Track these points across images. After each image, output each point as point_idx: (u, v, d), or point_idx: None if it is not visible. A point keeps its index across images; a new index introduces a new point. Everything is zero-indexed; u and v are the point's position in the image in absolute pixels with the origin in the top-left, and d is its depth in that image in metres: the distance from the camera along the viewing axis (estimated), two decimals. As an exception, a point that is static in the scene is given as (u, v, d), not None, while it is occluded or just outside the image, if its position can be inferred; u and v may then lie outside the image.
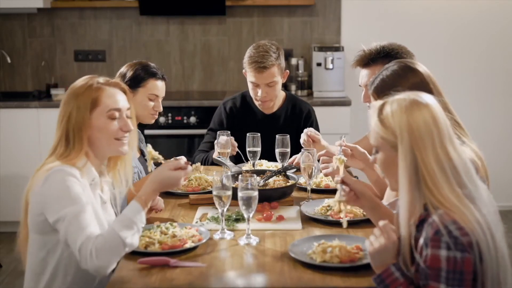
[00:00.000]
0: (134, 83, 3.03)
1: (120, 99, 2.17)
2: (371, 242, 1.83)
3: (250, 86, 3.41)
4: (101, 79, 2.18)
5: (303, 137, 3.09)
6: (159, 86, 3.07)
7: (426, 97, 1.81)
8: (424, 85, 2.28)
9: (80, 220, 1.95)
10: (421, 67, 2.36)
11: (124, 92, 2.22)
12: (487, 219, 1.69)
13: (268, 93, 3.37)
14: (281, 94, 3.52)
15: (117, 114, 2.15)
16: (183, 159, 2.17)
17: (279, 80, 3.37)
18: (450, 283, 1.63)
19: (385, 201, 2.32)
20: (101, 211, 2.17)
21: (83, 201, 2.00)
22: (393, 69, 2.35)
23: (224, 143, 3.10)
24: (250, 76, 3.36)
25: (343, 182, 2.08)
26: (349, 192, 2.07)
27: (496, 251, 1.68)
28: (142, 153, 3.21)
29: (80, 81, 2.16)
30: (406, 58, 2.83)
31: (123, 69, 3.08)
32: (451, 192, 1.69)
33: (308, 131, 3.10)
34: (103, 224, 2.12)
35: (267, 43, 3.37)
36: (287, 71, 3.45)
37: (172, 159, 2.43)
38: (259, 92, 3.36)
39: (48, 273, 2.09)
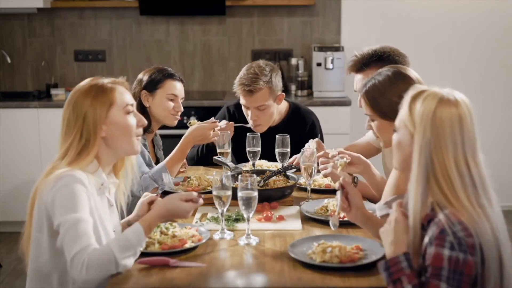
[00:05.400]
0: (152, 85, 3.07)
1: (129, 95, 2.21)
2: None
3: (242, 107, 3.32)
4: (107, 79, 2.19)
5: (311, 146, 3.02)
6: (177, 86, 3.10)
7: (458, 96, 1.78)
8: None
9: (79, 229, 1.93)
10: (413, 74, 2.37)
11: (127, 89, 2.24)
12: (495, 229, 1.69)
13: (258, 116, 3.24)
14: (284, 105, 3.42)
15: (131, 108, 2.17)
16: (193, 193, 2.15)
17: (271, 104, 3.24)
18: (450, 282, 1.63)
19: (382, 200, 2.33)
20: (108, 215, 2.17)
21: (86, 211, 1.99)
22: (385, 74, 2.35)
23: (224, 126, 3.12)
24: (240, 98, 3.27)
25: (342, 187, 2.09)
26: (345, 200, 2.09)
27: (500, 266, 1.67)
28: (157, 161, 3.20)
29: (89, 82, 2.16)
30: (399, 59, 2.85)
31: (140, 75, 3.14)
32: (464, 193, 1.69)
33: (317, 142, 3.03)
34: (107, 231, 2.11)
35: (262, 63, 3.25)
36: (283, 94, 3.31)
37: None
38: (250, 114, 3.26)
39: (55, 277, 2.06)
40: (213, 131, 3.02)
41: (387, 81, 2.33)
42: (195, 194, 2.14)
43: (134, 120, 2.17)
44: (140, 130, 2.21)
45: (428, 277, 1.66)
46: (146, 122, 2.23)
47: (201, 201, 2.14)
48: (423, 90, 1.81)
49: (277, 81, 3.25)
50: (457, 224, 1.65)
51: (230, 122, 3.17)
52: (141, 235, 2.00)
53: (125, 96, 2.17)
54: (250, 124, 3.31)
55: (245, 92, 3.20)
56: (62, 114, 2.15)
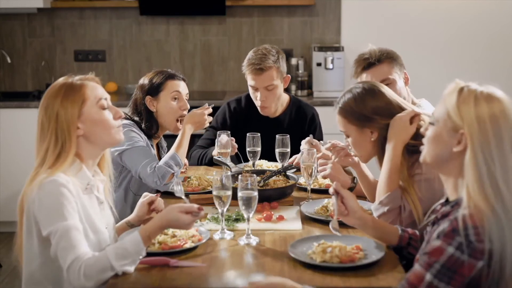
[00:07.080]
0: (154, 89, 3.06)
1: (102, 90, 2.15)
2: None
3: (250, 90, 3.37)
4: (77, 77, 2.14)
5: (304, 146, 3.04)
6: (179, 84, 3.10)
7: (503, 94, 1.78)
8: (387, 108, 2.33)
9: (71, 237, 1.92)
10: (386, 90, 2.38)
11: (99, 84, 2.19)
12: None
13: (267, 97, 3.31)
14: (285, 98, 3.47)
15: (105, 103, 2.12)
16: (194, 206, 2.11)
17: (279, 84, 3.32)
18: (438, 276, 1.61)
19: (377, 200, 2.34)
20: (98, 214, 2.14)
21: (75, 216, 1.97)
22: (356, 91, 2.38)
23: (225, 143, 3.09)
24: (249, 79, 3.32)
25: (337, 192, 2.09)
26: (341, 205, 2.08)
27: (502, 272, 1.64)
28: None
29: (59, 82, 2.13)
30: (399, 60, 2.96)
31: (140, 81, 3.14)
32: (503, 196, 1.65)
33: (310, 140, 3.06)
34: (99, 230, 2.09)
35: (268, 46, 3.33)
36: (288, 75, 3.39)
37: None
38: (258, 95, 3.32)
39: (49, 282, 2.05)
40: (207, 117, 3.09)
41: (357, 97, 2.35)
42: (196, 206, 2.10)
43: (110, 114, 2.13)
44: (119, 122, 2.16)
45: (420, 264, 1.64)
46: (123, 114, 2.20)
47: (201, 213, 2.10)
48: (467, 85, 1.76)
49: (283, 63, 3.33)
50: (471, 228, 1.61)
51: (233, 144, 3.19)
52: (140, 245, 1.99)
53: (97, 91, 2.12)
54: (258, 106, 3.37)
55: (256, 71, 3.26)
56: (37, 119, 2.12)
